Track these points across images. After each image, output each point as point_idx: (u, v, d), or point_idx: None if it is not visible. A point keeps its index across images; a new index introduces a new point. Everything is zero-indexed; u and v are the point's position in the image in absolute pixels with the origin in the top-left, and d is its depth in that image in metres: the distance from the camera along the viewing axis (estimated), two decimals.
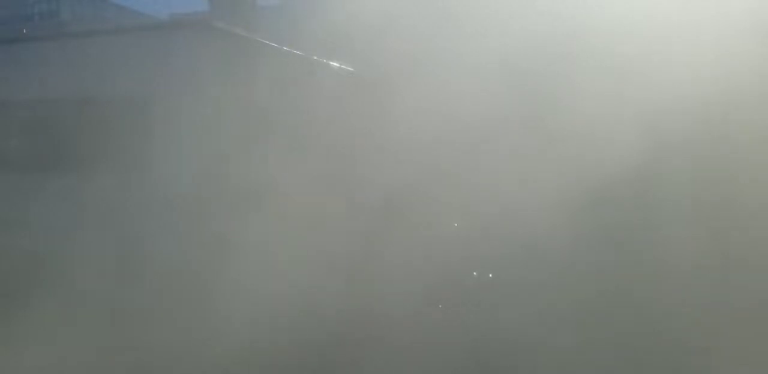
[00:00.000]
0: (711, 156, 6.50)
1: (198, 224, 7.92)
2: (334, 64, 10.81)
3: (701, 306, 5.75)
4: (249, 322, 5.62)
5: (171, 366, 5.24)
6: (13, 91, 9.60)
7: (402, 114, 7.91)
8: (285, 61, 9.94)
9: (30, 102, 9.44)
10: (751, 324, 5.40)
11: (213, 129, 8.46)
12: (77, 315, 5.87)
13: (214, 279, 6.68)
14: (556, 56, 7.13)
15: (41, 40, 10.01)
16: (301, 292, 6.17)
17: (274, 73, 9.36)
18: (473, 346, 5.58)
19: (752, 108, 6.27)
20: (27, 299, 6.40)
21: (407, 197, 7.64)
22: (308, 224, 7.44)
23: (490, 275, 7.03)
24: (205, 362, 5.28)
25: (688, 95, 6.18)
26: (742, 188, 6.29)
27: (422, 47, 8.54)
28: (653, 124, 6.49)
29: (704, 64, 6.26)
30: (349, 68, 11.02)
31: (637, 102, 6.57)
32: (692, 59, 6.38)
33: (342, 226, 7.48)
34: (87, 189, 8.68)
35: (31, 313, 5.90)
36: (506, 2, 8.12)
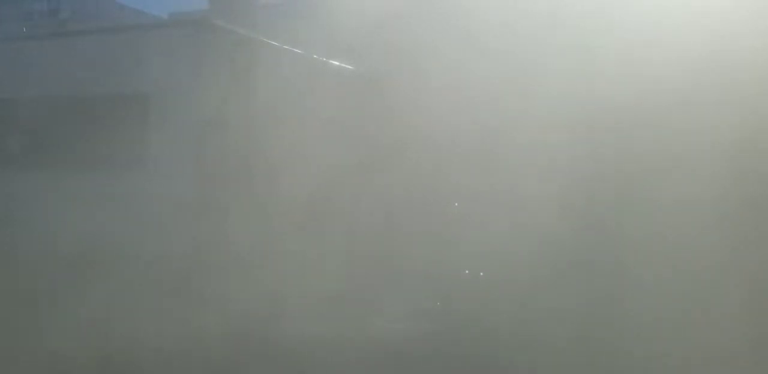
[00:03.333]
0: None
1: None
2: (335, 62, 10.81)
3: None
4: None
5: None
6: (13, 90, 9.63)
7: (402, 112, 7.93)
8: (285, 60, 9.94)
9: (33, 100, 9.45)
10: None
11: (214, 126, 8.47)
12: None
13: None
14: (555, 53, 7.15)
15: (41, 38, 10.03)
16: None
17: (274, 71, 9.36)
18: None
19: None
20: None
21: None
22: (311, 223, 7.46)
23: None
24: None
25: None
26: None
27: (421, 45, 8.56)
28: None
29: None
30: (350, 67, 11.01)
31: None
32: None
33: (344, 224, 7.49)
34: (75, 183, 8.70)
35: None
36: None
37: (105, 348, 5.23)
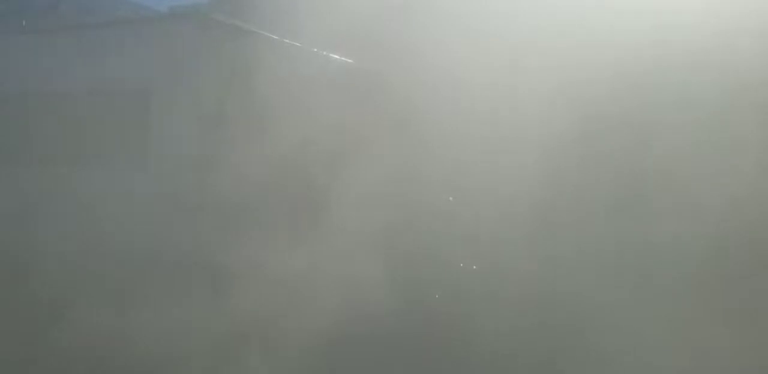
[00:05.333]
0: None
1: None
2: (335, 56, 10.77)
3: None
4: None
5: None
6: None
7: (401, 109, 7.91)
8: (284, 54, 9.91)
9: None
10: None
11: (213, 123, 8.47)
12: None
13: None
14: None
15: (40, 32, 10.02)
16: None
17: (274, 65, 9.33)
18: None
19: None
20: None
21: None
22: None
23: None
24: None
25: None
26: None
27: (421, 40, 8.52)
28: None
29: None
30: (350, 60, 10.98)
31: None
32: None
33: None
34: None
35: None
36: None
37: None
